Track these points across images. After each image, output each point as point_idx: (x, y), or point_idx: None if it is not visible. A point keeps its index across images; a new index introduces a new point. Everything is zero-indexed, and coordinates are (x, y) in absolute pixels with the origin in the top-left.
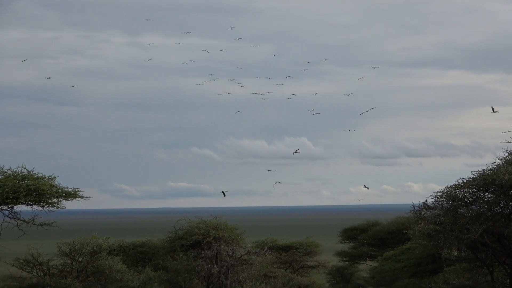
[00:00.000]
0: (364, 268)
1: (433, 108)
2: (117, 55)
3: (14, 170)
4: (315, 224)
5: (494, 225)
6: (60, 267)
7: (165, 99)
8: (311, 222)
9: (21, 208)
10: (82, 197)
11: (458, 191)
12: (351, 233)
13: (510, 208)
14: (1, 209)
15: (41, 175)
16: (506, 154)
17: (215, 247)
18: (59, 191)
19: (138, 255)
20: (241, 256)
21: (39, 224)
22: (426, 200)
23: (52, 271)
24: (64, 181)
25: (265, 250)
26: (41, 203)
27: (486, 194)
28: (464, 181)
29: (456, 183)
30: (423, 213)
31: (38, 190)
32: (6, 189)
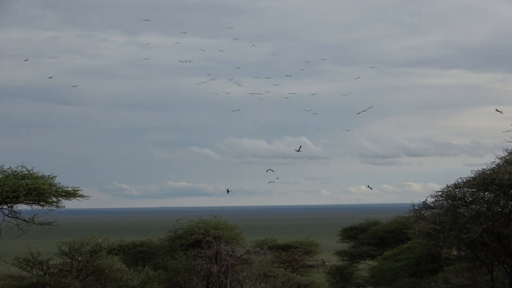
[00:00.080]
0: (364, 267)
1: (433, 108)
2: (117, 54)
3: (14, 169)
4: (314, 223)
5: (494, 225)
6: (59, 266)
7: (165, 99)
8: (310, 222)
9: (21, 207)
10: (81, 196)
11: (458, 191)
12: (351, 233)
13: (510, 207)
14: (1, 208)
15: (40, 174)
16: (506, 154)
17: (215, 246)
18: (59, 190)
19: (137, 255)
20: (241, 255)
21: (39, 223)
22: (426, 200)
23: (52, 270)
24: (63, 180)
25: (264, 249)
26: (41, 202)
27: (486, 193)
28: (464, 180)
29: (456, 182)
30: (422, 212)
31: (38, 189)
32: (6, 188)
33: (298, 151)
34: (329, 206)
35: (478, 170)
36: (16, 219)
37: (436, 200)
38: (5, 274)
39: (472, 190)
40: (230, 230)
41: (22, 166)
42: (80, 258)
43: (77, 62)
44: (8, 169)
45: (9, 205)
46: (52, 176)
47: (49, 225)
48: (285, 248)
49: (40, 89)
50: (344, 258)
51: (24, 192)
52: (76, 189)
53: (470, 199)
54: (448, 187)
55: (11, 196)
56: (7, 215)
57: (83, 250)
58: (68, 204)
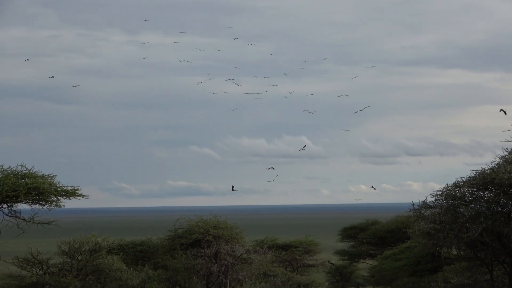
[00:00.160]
0: (364, 267)
1: (433, 107)
2: (116, 53)
3: (14, 169)
4: (314, 222)
5: (493, 224)
6: (59, 265)
7: (165, 98)
8: (310, 221)
9: (21, 206)
10: (81, 195)
11: (458, 190)
12: (351, 232)
13: (509, 207)
14: (1, 207)
15: (40, 173)
16: (506, 153)
17: (215, 245)
18: (59, 189)
19: (137, 254)
20: (241, 254)
21: (38, 223)
22: (426, 199)
23: (52, 270)
24: (63, 180)
25: (264, 249)
26: (41, 202)
27: (485, 193)
28: (464, 180)
29: (456, 182)
30: (422, 212)
31: (37, 188)
32: (6, 188)
33: (302, 150)
34: (329, 206)
35: (478, 170)
36: (16, 218)
37: (436, 200)
38: (5, 273)
39: (472, 189)
40: (230, 229)
41: (21, 165)
42: (80, 258)
43: (76, 61)
44: (8, 168)
45: (9, 204)
46: (52, 175)
47: (49, 225)
48: (285, 247)
49: (39, 88)
50: (344, 258)
51: (24, 192)
52: (75, 188)
53: (470, 198)
54: (448, 186)
55: (11, 196)
56: (7, 215)
57: (83, 249)
58: (68, 203)
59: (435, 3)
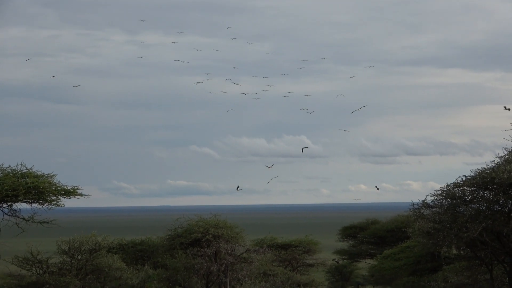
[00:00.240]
0: (364, 266)
1: (433, 107)
2: (116, 53)
3: (14, 168)
4: (314, 222)
5: (493, 224)
6: (59, 265)
7: (164, 98)
8: (310, 220)
9: (21, 206)
10: (81, 195)
11: (458, 190)
12: (351, 231)
13: (509, 206)
14: (1, 206)
15: (40, 173)
16: (506, 153)
17: (215, 245)
18: (58, 189)
19: (137, 253)
20: (241, 254)
21: (38, 222)
22: (426, 199)
23: (52, 269)
24: (63, 179)
25: (264, 248)
26: (41, 201)
27: (485, 192)
28: (464, 179)
29: (456, 181)
30: (422, 211)
31: (37, 188)
32: (6, 187)
33: (303, 149)
34: (329, 205)
35: (478, 169)
36: (15, 217)
37: (436, 199)
38: (5, 272)
39: (472, 189)
40: (229, 229)
41: (21, 164)
42: (79, 257)
43: (76, 61)
44: (8, 167)
45: (8, 203)
46: (52, 174)
47: (49, 224)
48: (285, 247)
49: (39, 88)
50: (343, 257)
51: (23, 191)
52: (75, 187)
53: (469, 198)
54: (447, 186)
55: (10, 195)
56: (6, 214)
57: (83, 248)
58: (68, 202)
59: (435, 3)
